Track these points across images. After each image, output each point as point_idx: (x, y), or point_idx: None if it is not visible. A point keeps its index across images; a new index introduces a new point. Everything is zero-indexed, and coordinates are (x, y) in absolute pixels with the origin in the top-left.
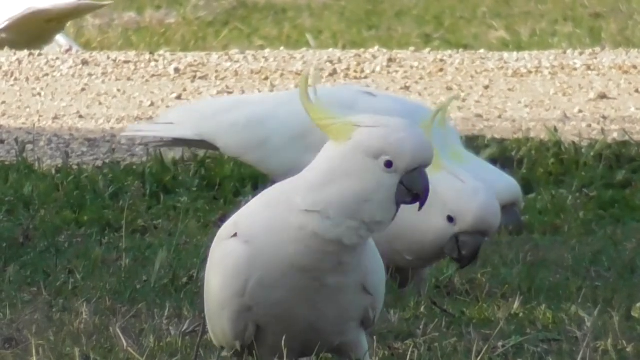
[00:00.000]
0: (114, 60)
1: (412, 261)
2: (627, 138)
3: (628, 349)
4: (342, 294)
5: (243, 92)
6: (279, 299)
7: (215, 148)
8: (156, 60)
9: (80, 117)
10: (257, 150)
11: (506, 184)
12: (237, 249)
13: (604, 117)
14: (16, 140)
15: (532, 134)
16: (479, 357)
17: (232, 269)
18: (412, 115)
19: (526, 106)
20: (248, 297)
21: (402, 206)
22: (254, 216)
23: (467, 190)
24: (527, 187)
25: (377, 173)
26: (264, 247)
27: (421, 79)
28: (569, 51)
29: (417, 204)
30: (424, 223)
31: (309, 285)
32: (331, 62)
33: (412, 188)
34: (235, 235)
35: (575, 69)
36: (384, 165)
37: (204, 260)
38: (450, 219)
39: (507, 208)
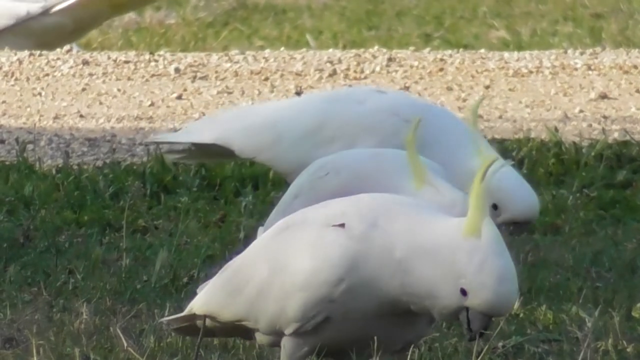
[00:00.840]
0: (114, 60)
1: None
2: (627, 138)
3: (628, 349)
4: (417, 324)
5: (243, 92)
6: (362, 306)
7: (231, 155)
8: (156, 61)
9: (81, 116)
10: (270, 150)
11: (524, 202)
12: (345, 244)
13: (605, 117)
14: (17, 140)
15: (532, 134)
16: (480, 357)
17: (335, 260)
18: (421, 112)
19: (527, 106)
20: (338, 292)
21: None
22: (363, 216)
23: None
24: None
25: (453, 287)
26: (371, 259)
27: (421, 78)
28: (569, 51)
29: None
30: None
31: (387, 313)
32: (331, 62)
33: (469, 324)
34: (342, 225)
35: (576, 69)
36: (460, 290)
37: (205, 260)
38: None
39: (520, 224)
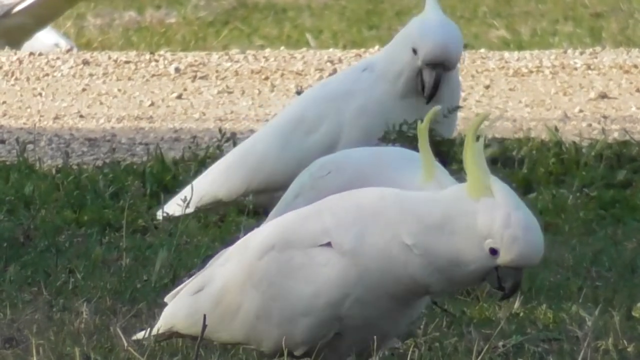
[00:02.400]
0: (115, 60)
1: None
2: (627, 138)
3: (629, 349)
4: (417, 307)
5: (243, 92)
6: (369, 314)
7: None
8: (156, 60)
9: (81, 117)
10: (257, 175)
11: (437, 41)
12: (338, 262)
13: (605, 117)
14: (17, 140)
15: (532, 134)
16: (480, 357)
17: (333, 281)
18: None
19: (527, 106)
20: (345, 310)
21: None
22: (349, 228)
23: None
24: (528, 187)
25: (480, 250)
26: (371, 268)
27: None
28: (569, 51)
29: None
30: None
31: (395, 306)
32: (331, 62)
33: (502, 281)
34: (328, 244)
35: (576, 69)
36: (489, 250)
37: (204, 260)
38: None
39: (438, 65)
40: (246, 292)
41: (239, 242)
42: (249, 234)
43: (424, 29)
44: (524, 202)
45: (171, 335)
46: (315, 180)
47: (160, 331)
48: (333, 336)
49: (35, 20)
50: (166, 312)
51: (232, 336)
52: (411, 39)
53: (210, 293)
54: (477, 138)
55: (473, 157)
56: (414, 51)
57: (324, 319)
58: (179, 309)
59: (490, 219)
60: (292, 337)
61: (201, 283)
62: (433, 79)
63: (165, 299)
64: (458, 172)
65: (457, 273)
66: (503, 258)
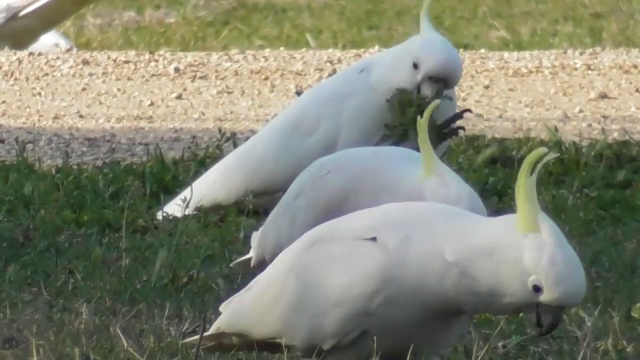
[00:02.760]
0: (114, 60)
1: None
2: (627, 138)
3: (628, 349)
4: (457, 324)
5: (243, 92)
6: (399, 317)
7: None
8: (156, 60)
9: (81, 116)
10: (256, 176)
11: (440, 57)
12: (380, 255)
13: (605, 117)
14: (16, 140)
15: (532, 134)
16: (479, 357)
17: (370, 272)
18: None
19: (526, 106)
20: (374, 306)
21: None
22: (397, 231)
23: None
24: None
25: (523, 286)
26: (409, 272)
27: None
28: (569, 51)
29: None
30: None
31: (430, 317)
32: (331, 62)
33: (540, 318)
34: (373, 239)
35: (576, 69)
36: (532, 287)
37: (205, 260)
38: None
39: (439, 80)
40: (288, 284)
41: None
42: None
43: (427, 44)
44: (569, 241)
45: (219, 339)
46: (315, 180)
47: (209, 333)
48: (359, 335)
49: (41, 23)
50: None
51: (268, 330)
52: (413, 54)
53: (256, 288)
54: (531, 173)
55: (525, 193)
56: (415, 66)
57: (353, 311)
58: (227, 311)
59: (537, 256)
60: (322, 330)
61: (252, 283)
62: (434, 92)
63: (220, 309)
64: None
65: (494, 301)
66: (546, 296)
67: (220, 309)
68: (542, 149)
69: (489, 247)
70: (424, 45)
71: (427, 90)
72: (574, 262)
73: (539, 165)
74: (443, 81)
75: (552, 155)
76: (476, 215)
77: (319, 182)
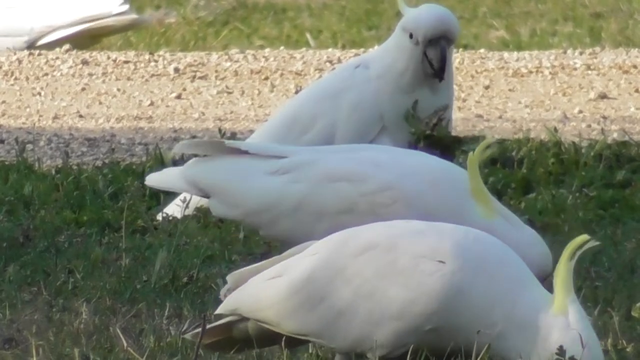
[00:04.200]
0: (114, 60)
1: None
2: (627, 138)
3: (628, 349)
4: None
5: (243, 92)
6: (460, 328)
7: None
8: (156, 60)
9: (80, 116)
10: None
11: (429, 18)
12: (447, 276)
13: (604, 117)
14: (16, 140)
15: (532, 134)
16: (479, 357)
17: (436, 292)
18: None
19: (526, 106)
20: (431, 325)
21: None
22: (462, 257)
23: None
24: (527, 187)
25: None
26: (469, 305)
27: None
28: (569, 51)
29: None
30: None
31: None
32: (331, 62)
33: None
34: (441, 261)
35: (575, 69)
36: None
37: (204, 260)
38: None
39: (436, 41)
40: (334, 286)
41: (332, 236)
42: (347, 231)
43: (414, 13)
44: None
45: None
46: (376, 206)
47: (221, 312)
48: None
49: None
50: (232, 295)
51: (303, 327)
52: (406, 29)
53: (290, 280)
54: (571, 258)
55: (564, 277)
56: (411, 36)
57: (411, 327)
58: (248, 293)
59: (564, 337)
60: (373, 339)
61: (280, 270)
62: (439, 52)
63: (228, 277)
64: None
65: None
66: None
67: (228, 277)
68: (585, 236)
69: (528, 321)
70: (411, 16)
71: (433, 54)
72: (594, 344)
73: (580, 251)
74: (444, 39)
75: (595, 243)
76: (529, 278)
77: (381, 210)
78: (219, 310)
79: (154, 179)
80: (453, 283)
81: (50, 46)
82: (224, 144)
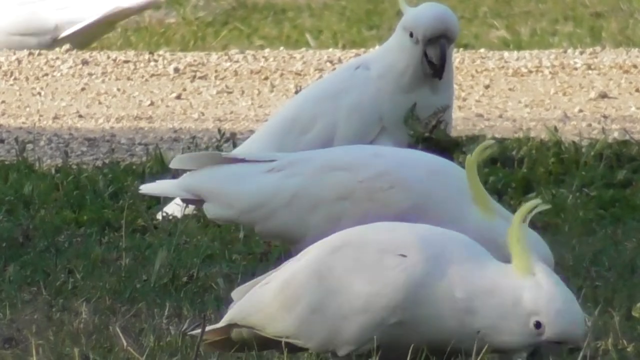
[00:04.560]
0: (114, 60)
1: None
2: (627, 137)
3: (628, 349)
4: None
5: (243, 92)
6: (409, 334)
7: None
8: (155, 60)
9: (80, 116)
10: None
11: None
12: (409, 271)
13: (605, 117)
14: (16, 139)
15: (532, 134)
16: (479, 357)
17: (398, 285)
18: None
19: (526, 106)
20: (395, 319)
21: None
22: (427, 252)
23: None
24: (527, 186)
25: (524, 327)
26: (430, 294)
27: None
28: (569, 50)
29: None
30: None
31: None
32: (331, 62)
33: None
34: (403, 255)
35: (576, 69)
36: (534, 325)
37: (204, 260)
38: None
39: None
40: (309, 285)
41: (320, 240)
42: (333, 235)
43: (414, 13)
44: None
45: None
46: (374, 191)
47: (220, 324)
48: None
49: (78, 44)
50: (231, 308)
51: (285, 329)
52: (406, 28)
53: (274, 285)
54: (523, 221)
55: (521, 239)
56: (411, 35)
57: (377, 320)
58: (241, 303)
59: (536, 295)
60: (341, 335)
61: (270, 278)
62: (439, 51)
63: (233, 294)
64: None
65: (495, 340)
66: (548, 332)
67: (233, 294)
68: (536, 201)
69: (493, 288)
70: (412, 15)
71: (433, 53)
72: (571, 298)
73: (531, 215)
74: (444, 37)
75: (546, 206)
76: (489, 257)
77: (379, 195)
78: (220, 325)
79: (148, 188)
80: (415, 275)
81: (69, 39)
82: (220, 155)
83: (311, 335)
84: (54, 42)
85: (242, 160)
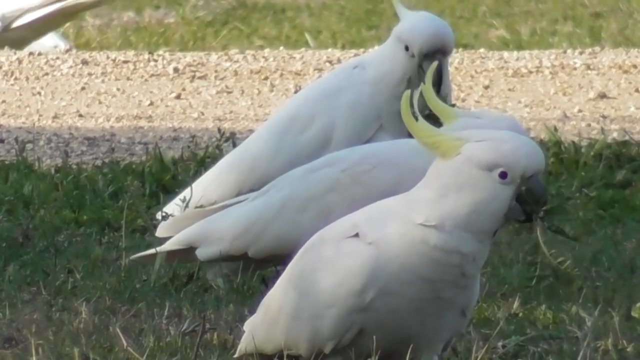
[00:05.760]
0: (114, 60)
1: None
2: (627, 138)
3: (628, 349)
4: (447, 312)
5: (242, 91)
6: (395, 306)
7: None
8: (155, 60)
9: (80, 116)
10: (250, 175)
11: (424, 32)
12: (363, 250)
13: (604, 117)
14: (16, 139)
15: (532, 134)
16: (479, 357)
17: (355, 269)
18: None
19: (526, 106)
20: (369, 300)
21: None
22: (375, 222)
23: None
24: None
25: (492, 185)
26: (392, 254)
27: None
28: (569, 51)
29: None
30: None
31: (426, 296)
32: (330, 62)
33: (532, 196)
34: (355, 235)
35: (575, 69)
36: (499, 176)
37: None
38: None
39: (432, 55)
40: (287, 294)
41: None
42: None
43: (411, 25)
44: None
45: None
46: (356, 175)
47: (237, 355)
48: (357, 334)
49: (34, 33)
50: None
51: (276, 344)
52: (401, 40)
53: (263, 304)
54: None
55: (428, 132)
56: (407, 48)
57: (347, 309)
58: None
59: (482, 152)
60: (320, 333)
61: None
62: (435, 66)
63: (245, 326)
64: None
65: (480, 220)
66: (513, 174)
67: (245, 327)
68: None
69: (444, 186)
70: (408, 27)
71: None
72: (512, 134)
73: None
74: (439, 52)
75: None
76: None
77: (363, 177)
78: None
79: (138, 256)
80: (371, 257)
81: (23, 29)
82: (204, 209)
83: (297, 342)
84: (5, 32)
85: (225, 207)
